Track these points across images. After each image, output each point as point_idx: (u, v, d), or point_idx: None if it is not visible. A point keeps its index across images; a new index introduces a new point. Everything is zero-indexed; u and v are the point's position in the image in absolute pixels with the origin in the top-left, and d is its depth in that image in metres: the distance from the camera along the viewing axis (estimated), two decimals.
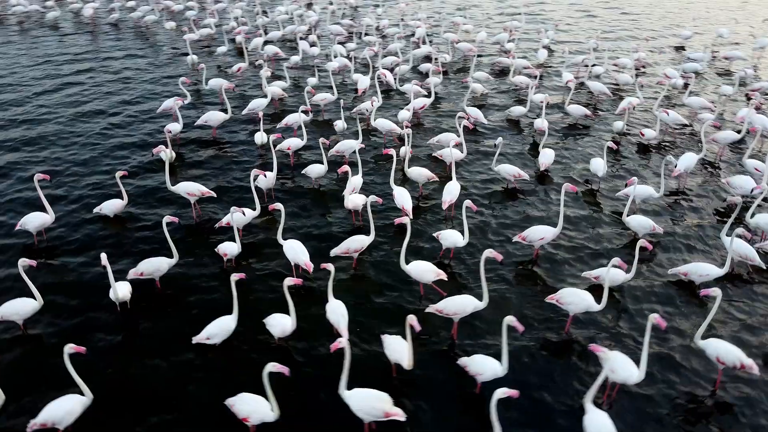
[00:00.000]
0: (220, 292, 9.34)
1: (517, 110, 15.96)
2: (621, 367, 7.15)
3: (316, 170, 12.41)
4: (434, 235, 10.28)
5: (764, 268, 9.83)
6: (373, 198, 10.29)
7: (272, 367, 6.73)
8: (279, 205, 10.18)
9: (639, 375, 7.16)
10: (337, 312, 8.15)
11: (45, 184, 11.43)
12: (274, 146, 12.72)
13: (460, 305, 8.27)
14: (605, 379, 7.16)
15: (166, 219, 9.64)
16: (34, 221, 10.50)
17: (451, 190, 11.39)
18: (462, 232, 9.93)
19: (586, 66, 19.52)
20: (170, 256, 9.42)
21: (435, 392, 7.69)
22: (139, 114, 16.60)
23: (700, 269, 9.41)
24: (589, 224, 11.46)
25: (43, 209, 10.63)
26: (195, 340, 8.05)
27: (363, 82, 17.24)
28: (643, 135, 14.68)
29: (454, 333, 8.50)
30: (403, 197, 11.07)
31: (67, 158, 13.98)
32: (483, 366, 7.35)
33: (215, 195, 11.59)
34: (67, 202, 12.09)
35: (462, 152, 13.24)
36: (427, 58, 20.60)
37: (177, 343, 8.33)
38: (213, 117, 14.82)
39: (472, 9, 29.76)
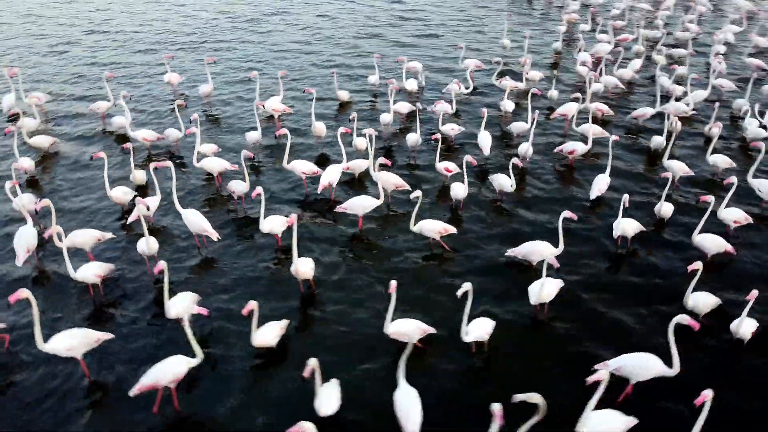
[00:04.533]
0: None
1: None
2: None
3: (213, 164, 12.39)
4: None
5: None
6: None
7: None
8: (284, 130, 12.53)
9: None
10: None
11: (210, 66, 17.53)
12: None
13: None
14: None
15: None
16: (202, 88, 16.59)
17: (360, 204, 11.00)
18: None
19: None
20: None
21: None
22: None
23: None
24: None
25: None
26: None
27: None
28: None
29: None
30: (330, 173, 11.89)
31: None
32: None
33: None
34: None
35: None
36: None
37: None
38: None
39: None
